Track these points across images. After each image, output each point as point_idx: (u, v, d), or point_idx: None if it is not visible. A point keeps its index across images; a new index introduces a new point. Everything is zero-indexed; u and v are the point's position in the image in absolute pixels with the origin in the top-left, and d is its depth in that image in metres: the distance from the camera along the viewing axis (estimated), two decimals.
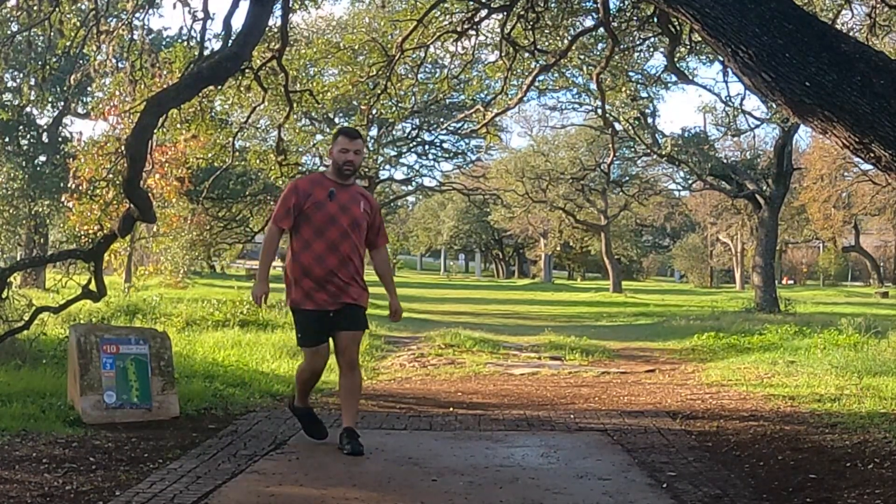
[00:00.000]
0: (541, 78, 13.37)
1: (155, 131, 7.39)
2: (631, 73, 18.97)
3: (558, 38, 12.49)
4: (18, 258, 23.70)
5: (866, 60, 4.17)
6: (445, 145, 38.37)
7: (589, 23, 12.64)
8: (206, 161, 14.41)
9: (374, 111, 13.69)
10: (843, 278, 53.28)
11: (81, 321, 11.12)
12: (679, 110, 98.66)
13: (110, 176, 9.95)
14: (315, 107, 13.19)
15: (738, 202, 34.37)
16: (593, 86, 15.61)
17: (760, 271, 22.12)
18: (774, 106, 7.65)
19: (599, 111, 19.73)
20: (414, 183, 40.20)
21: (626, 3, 11.99)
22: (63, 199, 15.90)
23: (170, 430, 5.90)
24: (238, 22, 7.26)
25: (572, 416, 6.66)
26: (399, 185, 42.40)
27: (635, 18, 11.90)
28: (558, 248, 52.21)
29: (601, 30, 11.70)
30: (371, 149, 29.78)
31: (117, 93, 10.39)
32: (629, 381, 9.26)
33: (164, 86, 8.45)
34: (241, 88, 10.22)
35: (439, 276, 63.31)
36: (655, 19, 10.94)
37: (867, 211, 43.60)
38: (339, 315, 5.20)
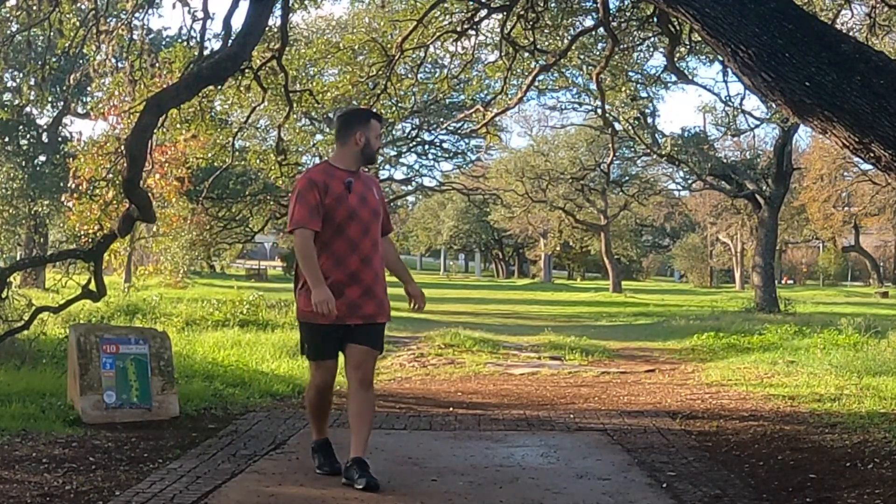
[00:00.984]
0: (541, 78, 13.38)
1: (155, 131, 7.39)
2: (631, 73, 18.96)
3: (558, 37, 12.50)
4: (18, 258, 23.70)
5: (866, 60, 4.17)
6: (445, 145, 38.41)
7: (589, 23, 12.64)
8: (206, 161, 14.42)
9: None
10: (843, 278, 53.28)
11: (81, 321, 11.11)
12: (679, 110, 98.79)
13: (110, 176, 9.95)
14: (315, 107, 13.18)
15: (738, 202, 34.39)
16: (593, 86, 15.61)
17: (760, 271, 22.13)
18: (774, 106, 7.63)
19: (599, 111, 19.75)
20: (414, 183, 40.25)
21: (626, 2, 11.99)
22: (63, 199, 15.91)
23: (169, 430, 5.90)
24: (238, 22, 7.25)
25: (572, 415, 6.66)
26: (399, 184, 42.42)
27: (635, 18, 11.91)
28: (558, 248, 52.21)
29: (601, 30, 11.70)
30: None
31: (117, 93, 10.38)
32: (629, 381, 9.26)
33: (164, 86, 8.44)
34: (241, 88, 10.22)
35: (439, 275, 63.32)
36: (655, 19, 10.94)
37: (867, 211, 43.60)
38: (358, 328, 4.56)
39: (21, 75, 19.10)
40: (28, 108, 21.44)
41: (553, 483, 4.58)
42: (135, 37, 9.22)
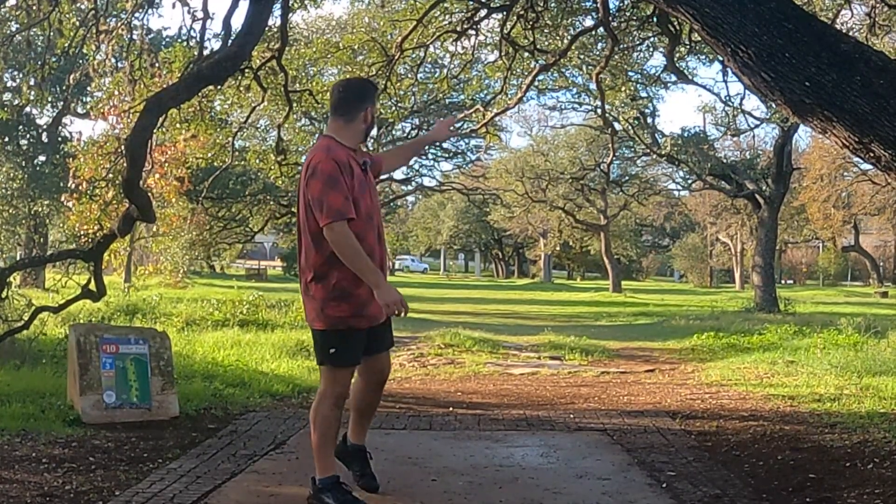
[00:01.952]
0: (540, 78, 13.39)
1: (155, 131, 7.39)
2: (631, 73, 18.98)
3: (558, 37, 12.50)
4: (18, 258, 23.70)
5: (866, 60, 4.17)
6: (445, 145, 38.39)
7: (589, 22, 12.65)
8: (206, 161, 14.43)
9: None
10: (843, 278, 53.30)
11: (81, 321, 11.12)
12: (679, 110, 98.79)
13: (110, 176, 9.95)
14: (315, 107, 13.18)
15: (738, 202, 34.42)
16: (593, 86, 15.62)
17: (760, 271, 22.15)
18: (774, 106, 7.63)
19: (599, 111, 19.76)
20: (413, 183, 40.27)
21: (626, 2, 12.00)
22: (63, 198, 15.91)
23: (169, 429, 5.90)
24: (238, 22, 7.26)
25: (572, 415, 6.66)
26: (399, 184, 42.43)
27: (635, 18, 11.91)
28: (558, 248, 52.24)
29: (601, 29, 11.70)
30: (371, 149, 29.80)
31: (117, 92, 10.39)
32: (629, 381, 9.26)
33: (164, 86, 8.45)
34: (241, 88, 10.23)
35: (439, 275, 63.34)
36: (655, 19, 10.95)
37: (867, 211, 43.62)
38: (383, 327, 4.14)
39: (21, 75, 19.11)
40: (28, 108, 21.45)
41: (553, 483, 4.58)
42: (135, 37, 9.22)
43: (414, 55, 12.23)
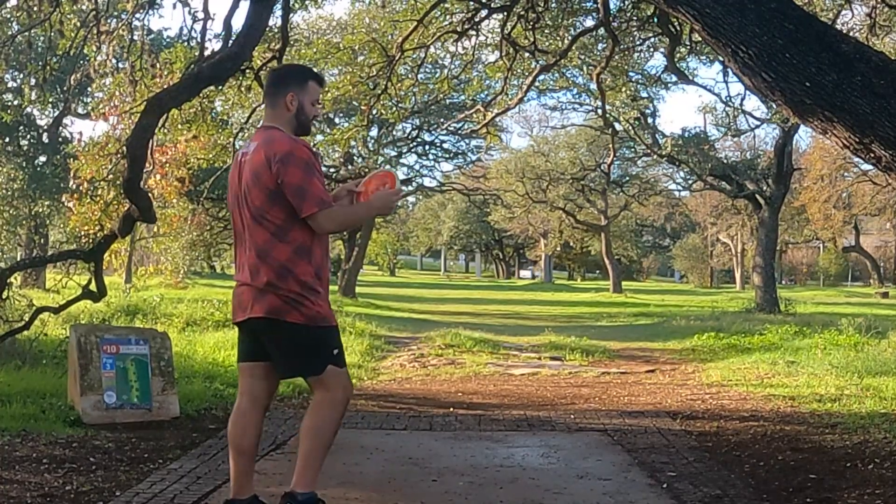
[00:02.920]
0: (541, 78, 13.39)
1: (155, 131, 7.39)
2: (631, 73, 18.98)
3: (558, 38, 12.50)
4: (18, 258, 23.71)
5: (866, 60, 4.17)
6: (445, 145, 38.38)
7: (589, 23, 12.66)
8: (207, 161, 14.43)
9: (374, 111, 13.69)
10: (843, 278, 53.29)
11: (82, 321, 11.12)
12: (679, 110, 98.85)
13: (111, 176, 9.95)
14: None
15: (738, 202, 34.42)
16: (593, 86, 15.62)
17: (760, 271, 22.14)
18: (774, 106, 7.65)
19: (599, 111, 19.75)
20: (414, 183, 40.20)
21: (626, 3, 12.00)
22: (63, 199, 15.92)
23: (170, 430, 5.90)
24: (238, 22, 7.27)
25: (572, 416, 6.66)
26: (399, 185, 42.40)
27: (635, 18, 11.91)
28: (558, 249, 52.24)
29: (601, 30, 11.71)
30: (371, 149, 29.79)
31: (117, 93, 10.40)
32: (629, 382, 9.26)
33: (165, 86, 8.45)
34: (242, 89, 10.22)
35: (439, 275, 63.35)
36: (655, 19, 10.95)
37: (867, 211, 43.60)
38: None
39: (22, 76, 19.14)
40: (29, 109, 21.47)
41: (553, 483, 4.58)
42: (135, 37, 9.22)
43: (414, 56, 12.22)
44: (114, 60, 10.06)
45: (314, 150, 3.86)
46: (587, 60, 16.26)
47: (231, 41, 7.27)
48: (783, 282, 47.72)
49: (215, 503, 4.20)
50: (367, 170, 27.94)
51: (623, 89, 16.89)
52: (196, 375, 7.98)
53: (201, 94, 8.65)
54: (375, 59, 11.88)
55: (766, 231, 22.31)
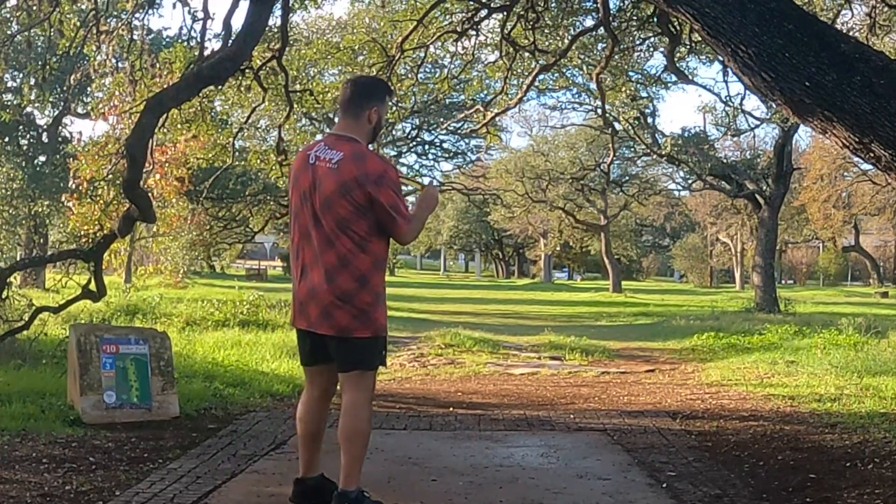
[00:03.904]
0: (541, 78, 13.39)
1: (155, 131, 7.39)
2: (631, 73, 18.99)
3: (558, 38, 12.51)
4: (18, 258, 23.71)
5: (866, 60, 4.17)
6: (445, 145, 38.46)
7: (589, 23, 12.66)
8: (206, 161, 14.43)
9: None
10: (843, 278, 53.30)
11: (81, 321, 11.12)
12: (679, 110, 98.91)
13: (110, 176, 9.96)
14: (315, 107, 13.19)
15: (738, 202, 34.41)
16: (593, 86, 15.63)
17: (760, 271, 22.14)
18: (774, 106, 7.64)
19: (599, 111, 19.77)
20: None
21: (626, 3, 12.00)
22: (63, 199, 15.92)
23: (170, 430, 5.90)
24: (238, 22, 7.25)
25: (572, 415, 6.66)
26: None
27: (635, 18, 11.91)
28: (558, 248, 52.25)
29: (601, 30, 11.71)
30: (371, 149, 29.79)
31: (117, 93, 10.40)
32: (629, 381, 9.26)
33: (165, 86, 8.45)
34: (241, 88, 10.23)
35: (439, 275, 63.36)
36: (655, 19, 10.95)
37: (867, 211, 43.64)
38: None
39: (22, 75, 19.13)
40: (28, 109, 21.47)
41: (553, 483, 4.58)
42: (135, 37, 9.23)
43: (414, 55, 12.23)
44: (113, 60, 10.06)
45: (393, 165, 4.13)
46: (587, 60, 16.27)
47: (231, 41, 7.26)
48: (783, 281, 47.72)
49: (215, 503, 4.20)
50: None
51: (623, 89, 16.89)
52: (196, 375, 7.98)
53: (201, 94, 8.66)
54: (375, 59, 11.89)
55: (765, 231, 22.32)
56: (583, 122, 36.62)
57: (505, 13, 10.74)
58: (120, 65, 10.57)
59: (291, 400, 7.42)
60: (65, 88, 18.29)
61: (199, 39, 8.77)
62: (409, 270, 69.83)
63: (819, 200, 41.53)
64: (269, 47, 9.47)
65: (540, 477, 4.71)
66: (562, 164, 40.01)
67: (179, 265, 24.18)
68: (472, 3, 10.71)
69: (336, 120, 4.20)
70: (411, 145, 36.39)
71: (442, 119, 32.31)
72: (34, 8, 8.56)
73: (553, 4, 11.65)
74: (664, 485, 4.55)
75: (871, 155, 4.22)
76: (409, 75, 14.10)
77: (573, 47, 12.45)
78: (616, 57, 13.00)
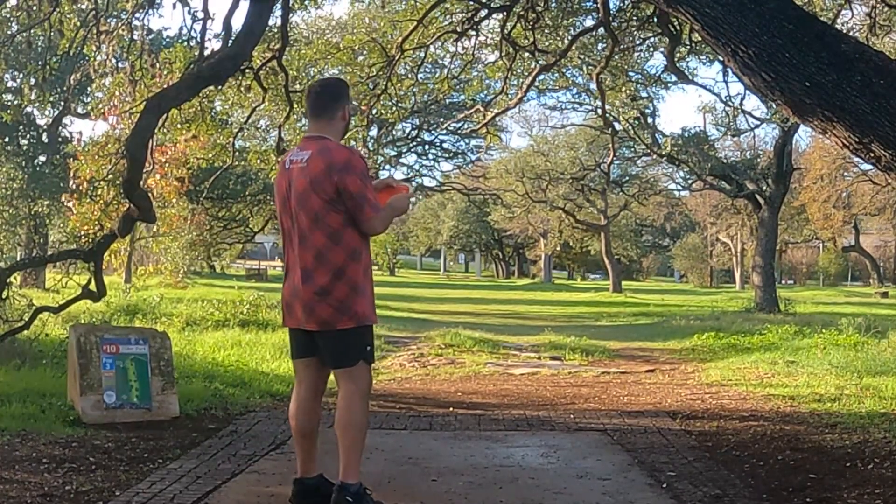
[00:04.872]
0: (541, 78, 13.39)
1: (155, 131, 7.39)
2: (631, 73, 18.98)
3: (558, 38, 12.50)
4: (18, 258, 23.71)
5: (866, 60, 4.17)
6: (445, 145, 38.45)
7: (589, 23, 12.66)
8: (206, 161, 14.44)
9: (374, 111, 13.69)
10: (843, 278, 53.29)
11: (81, 321, 11.12)
12: (679, 110, 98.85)
13: (110, 176, 9.96)
14: None
15: (738, 202, 34.40)
16: (593, 86, 15.63)
17: (760, 271, 22.13)
18: (774, 106, 7.65)
19: (599, 111, 19.74)
20: (414, 183, 40.21)
21: (626, 3, 12.00)
22: (63, 199, 15.93)
23: (170, 430, 5.90)
24: (238, 22, 7.25)
25: (572, 416, 6.66)
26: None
27: (635, 18, 11.91)
28: (558, 248, 52.24)
29: (601, 30, 11.71)
30: (371, 149, 29.81)
31: (117, 93, 10.39)
32: (629, 381, 9.26)
33: (165, 86, 8.45)
34: (241, 88, 10.23)
35: (439, 275, 63.36)
36: (655, 19, 10.94)
37: (867, 211, 43.62)
38: None
39: (22, 75, 19.13)
40: (28, 109, 21.47)
41: (553, 483, 4.58)
42: (135, 37, 9.22)
43: (414, 55, 12.23)
44: (114, 60, 10.06)
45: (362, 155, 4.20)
46: (587, 60, 16.27)
47: (231, 41, 7.27)
48: (783, 281, 47.72)
49: (215, 503, 4.20)
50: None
51: (623, 89, 16.89)
52: (196, 375, 7.98)
53: (201, 94, 8.66)
54: (375, 59, 11.89)
55: (765, 231, 22.31)
56: (583, 122, 36.62)
57: (505, 13, 10.73)
58: (120, 65, 10.57)
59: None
60: (65, 88, 18.27)
61: (199, 39, 8.76)
62: (409, 270, 69.82)
63: (819, 200, 41.51)
64: (269, 47, 9.47)
65: (540, 477, 4.72)
66: (562, 164, 40.00)
67: (179, 265, 24.17)
68: (472, 3, 10.71)
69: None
70: (411, 145, 36.37)
71: (442, 119, 32.31)
72: (34, 8, 8.57)
73: (553, 4, 11.65)
74: (664, 485, 4.55)
75: (871, 155, 4.22)
76: (409, 75, 14.11)
77: (573, 47, 12.44)
78: (616, 57, 13.00)
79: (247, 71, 8.72)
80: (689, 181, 36.27)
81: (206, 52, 8.31)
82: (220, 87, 9.19)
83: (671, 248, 57.88)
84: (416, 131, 34.61)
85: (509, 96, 13.25)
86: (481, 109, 13.57)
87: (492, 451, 5.37)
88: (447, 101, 29.57)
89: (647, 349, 13.22)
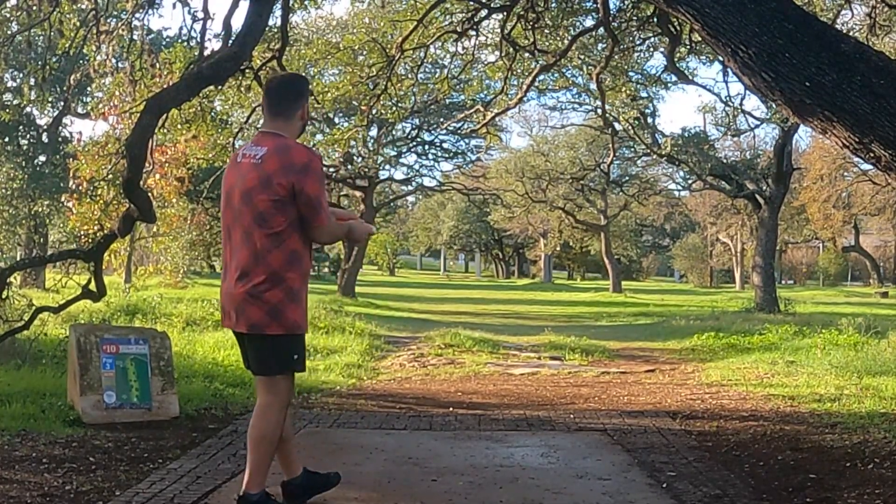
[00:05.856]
0: (541, 78, 13.39)
1: (155, 131, 7.39)
2: (631, 73, 18.99)
3: (558, 38, 12.50)
4: (18, 258, 23.71)
5: (866, 60, 4.17)
6: (445, 145, 38.35)
7: (589, 23, 12.65)
8: (206, 161, 14.44)
9: (374, 111, 13.69)
10: (843, 278, 53.27)
11: (81, 321, 11.11)
12: (679, 110, 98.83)
13: (110, 176, 9.96)
14: (315, 107, 13.19)
15: (738, 202, 34.37)
16: (593, 86, 15.63)
17: (760, 271, 22.13)
18: (774, 106, 7.65)
19: (599, 111, 19.77)
20: (414, 183, 40.19)
21: (626, 3, 12.00)
22: (63, 199, 15.94)
23: (170, 430, 5.90)
24: (238, 22, 7.25)
25: (572, 416, 6.66)
26: (399, 185, 42.39)
27: (635, 18, 11.91)
28: (558, 248, 52.23)
29: (601, 30, 11.71)
30: (371, 149, 29.78)
31: (117, 93, 10.40)
32: (629, 381, 9.26)
33: (165, 86, 8.45)
34: (241, 88, 10.23)
35: (439, 275, 63.35)
36: (655, 19, 10.95)
37: (867, 211, 43.60)
38: None
39: (21, 75, 19.13)
40: (28, 109, 21.46)
41: (553, 483, 4.58)
42: (135, 37, 9.22)
43: (414, 56, 12.23)
44: (113, 60, 10.06)
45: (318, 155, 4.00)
46: (587, 60, 16.27)
47: (231, 41, 7.26)
48: (783, 281, 47.72)
49: (215, 503, 4.20)
50: (366, 169, 27.99)
51: (623, 89, 16.89)
52: (196, 375, 7.99)
53: (201, 94, 8.65)
54: (375, 59, 11.89)
55: (765, 231, 22.31)
56: (583, 123, 36.57)
57: (505, 13, 10.73)
58: (120, 65, 10.57)
59: (291, 400, 7.42)
60: (65, 88, 18.27)
61: (199, 39, 8.76)
62: (409, 270, 69.83)
63: (819, 200, 41.50)
64: (269, 47, 9.47)
65: (540, 477, 4.72)
66: (562, 164, 39.97)
67: (179, 265, 24.16)
68: (472, 3, 10.71)
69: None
70: (411, 145, 36.31)
71: (442, 119, 32.25)
72: (34, 8, 8.56)
73: (553, 4, 11.64)
74: (664, 485, 4.55)
75: (871, 155, 4.22)
76: (409, 75, 14.10)
77: (573, 47, 12.44)
78: (616, 57, 13.01)
79: (247, 71, 8.72)
80: (689, 181, 36.24)
81: (206, 52, 8.31)
82: (220, 87, 9.19)
83: (671, 248, 57.87)
84: (416, 131, 34.53)
85: (509, 96, 13.25)
86: (481, 109, 13.57)
87: (492, 451, 5.36)
88: (447, 101, 29.52)
89: (647, 349, 13.22)
